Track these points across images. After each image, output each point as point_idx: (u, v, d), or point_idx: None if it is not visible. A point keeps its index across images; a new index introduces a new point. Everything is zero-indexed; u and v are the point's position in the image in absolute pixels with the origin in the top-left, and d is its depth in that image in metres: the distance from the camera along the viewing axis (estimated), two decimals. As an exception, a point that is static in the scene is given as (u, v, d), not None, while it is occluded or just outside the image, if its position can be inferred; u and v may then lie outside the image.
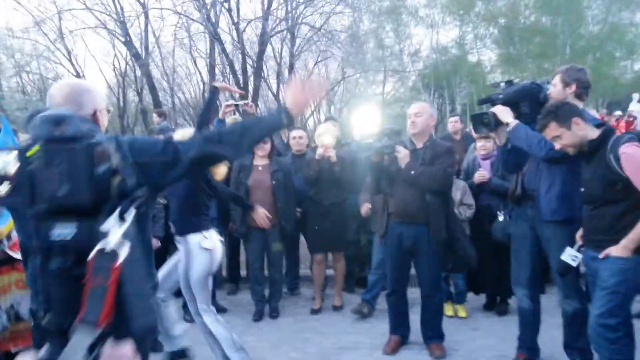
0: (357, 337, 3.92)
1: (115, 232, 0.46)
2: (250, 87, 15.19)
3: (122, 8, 14.00)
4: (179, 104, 17.77)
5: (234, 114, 4.80)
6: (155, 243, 3.98)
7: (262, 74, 16.03)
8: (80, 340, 0.43)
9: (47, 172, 0.46)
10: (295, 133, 4.91)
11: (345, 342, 3.87)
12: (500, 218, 3.90)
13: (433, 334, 3.54)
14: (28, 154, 0.49)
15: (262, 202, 4.32)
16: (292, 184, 4.51)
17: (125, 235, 0.45)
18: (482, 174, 4.05)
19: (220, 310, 4.64)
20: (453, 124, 5.85)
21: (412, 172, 3.30)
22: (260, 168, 4.40)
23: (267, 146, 4.40)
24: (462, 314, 4.24)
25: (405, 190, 3.35)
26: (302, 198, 4.66)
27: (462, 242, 3.44)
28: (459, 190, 4.08)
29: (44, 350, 0.46)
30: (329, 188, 4.48)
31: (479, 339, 3.79)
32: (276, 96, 17.29)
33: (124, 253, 0.45)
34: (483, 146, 4.18)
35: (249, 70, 15.52)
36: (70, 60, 15.45)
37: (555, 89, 2.94)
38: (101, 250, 0.44)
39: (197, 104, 18.70)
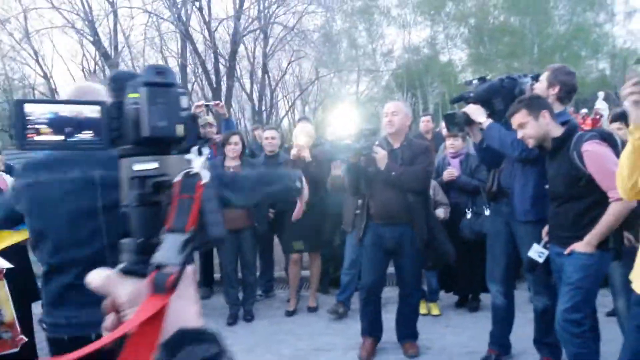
0: (333, 338, 3.92)
1: (197, 160, 0.59)
2: (223, 87, 15.07)
3: (90, 7, 13.70)
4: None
5: (207, 114, 4.74)
6: None
7: (235, 74, 15.91)
8: (171, 242, 0.53)
9: (149, 109, 0.57)
10: (267, 133, 4.87)
11: (321, 343, 3.87)
12: (469, 216, 3.97)
13: (408, 333, 3.56)
14: (130, 95, 0.60)
15: (234, 204, 4.30)
16: (265, 186, 4.47)
17: (203, 166, 0.59)
18: (450, 172, 4.11)
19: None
20: (425, 123, 5.91)
21: (393, 172, 3.26)
22: (231, 169, 4.36)
23: (239, 147, 4.36)
24: (435, 311, 4.28)
25: (385, 192, 3.31)
26: (275, 199, 4.63)
27: (440, 239, 3.46)
28: (431, 189, 4.12)
29: (123, 264, 0.58)
30: (302, 188, 4.46)
31: (450, 335, 3.84)
32: (249, 96, 17.21)
33: (205, 176, 0.58)
34: (452, 144, 4.23)
35: (222, 70, 15.39)
36: (37, 61, 15.02)
37: (540, 87, 2.94)
38: (187, 173, 0.57)
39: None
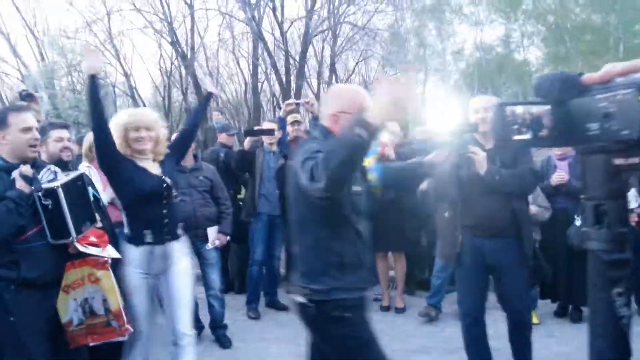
0: (426, 341, 3.84)
1: None
2: (292, 87, 15.27)
3: (169, 9, 14.30)
4: (220, 104, 18.02)
5: (298, 112, 4.80)
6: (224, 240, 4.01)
7: (304, 74, 16.07)
8: None
9: None
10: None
11: (415, 345, 3.79)
12: (578, 222, 3.76)
13: (524, 356, 3.09)
14: None
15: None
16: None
17: None
18: (560, 176, 3.90)
19: (282, 308, 4.66)
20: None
21: (497, 176, 2.86)
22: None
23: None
24: (534, 320, 4.08)
25: (485, 199, 2.87)
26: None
27: (537, 252, 3.21)
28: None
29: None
30: (391, 187, 4.41)
31: (555, 346, 3.66)
32: (317, 95, 17.34)
33: None
34: (559, 146, 4.03)
35: (291, 69, 15.60)
36: (118, 60, 15.85)
37: None
38: None
39: (239, 103, 18.93)
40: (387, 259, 4.69)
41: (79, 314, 2.50)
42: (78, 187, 2.53)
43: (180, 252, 2.80)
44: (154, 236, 2.67)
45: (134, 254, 2.67)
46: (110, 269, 2.55)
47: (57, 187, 2.34)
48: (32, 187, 2.34)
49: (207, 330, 4.01)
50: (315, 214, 1.92)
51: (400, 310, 4.51)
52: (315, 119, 5.12)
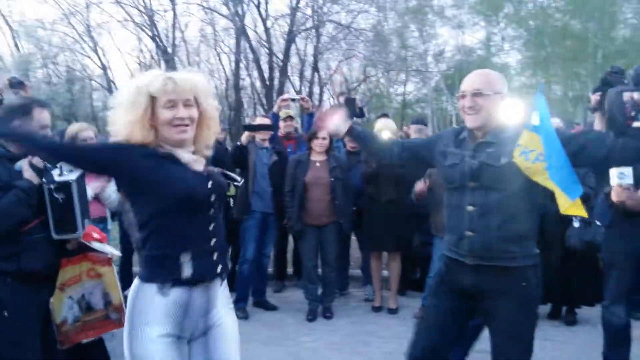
0: (422, 342, 3.76)
1: None
2: (275, 84, 15.12)
3: (150, 2, 13.97)
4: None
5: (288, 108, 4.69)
6: None
7: (287, 72, 15.93)
8: None
9: None
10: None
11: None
12: (576, 224, 3.76)
13: None
14: None
15: (319, 199, 4.21)
16: (350, 181, 4.38)
17: None
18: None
19: (271, 308, 4.55)
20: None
21: None
22: (318, 164, 4.27)
23: (327, 142, 4.27)
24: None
25: None
26: (357, 196, 4.53)
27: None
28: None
29: None
30: (387, 185, 4.34)
31: (551, 350, 3.62)
32: (299, 93, 17.23)
33: None
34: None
35: (274, 67, 15.43)
36: (96, 53, 15.42)
37: None
38: None
39: (219, 98, 18.68)
40: (380, 259, 4.62)
41: (74, 312, 2.51)
42: (82, 184, 2.48)
43: (224, 300, 1.83)
44: (195, 267, 1.65)
45: (156, 305, 1.60)
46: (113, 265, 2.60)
47: (72, 181, 2.30)
48: (43, 179, 2.29)
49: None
50: None
51: (393, 311, 4.44)
52: (309, 115, 5.01)
